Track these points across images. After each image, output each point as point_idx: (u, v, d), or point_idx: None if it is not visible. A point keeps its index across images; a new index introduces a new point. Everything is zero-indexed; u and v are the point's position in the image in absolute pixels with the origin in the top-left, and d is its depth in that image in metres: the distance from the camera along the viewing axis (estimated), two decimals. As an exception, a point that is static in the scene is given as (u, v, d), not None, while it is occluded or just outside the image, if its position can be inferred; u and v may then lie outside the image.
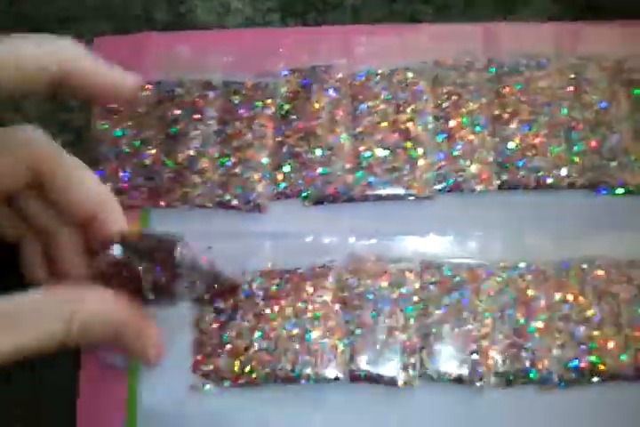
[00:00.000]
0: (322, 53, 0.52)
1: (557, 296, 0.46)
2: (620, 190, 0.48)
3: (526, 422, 0.45)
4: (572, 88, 0.50)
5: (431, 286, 0.46)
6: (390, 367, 0.44)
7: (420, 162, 0.48)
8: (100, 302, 0.32)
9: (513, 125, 0.49)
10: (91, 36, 0.53)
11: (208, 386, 0.44)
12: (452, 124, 0.49)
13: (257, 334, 0.45)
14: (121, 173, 0.49)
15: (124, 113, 0.50)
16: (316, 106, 0.49)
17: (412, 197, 0.48)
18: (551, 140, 0.49)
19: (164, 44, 0.53)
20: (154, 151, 0.49)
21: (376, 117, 0.49)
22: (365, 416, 0.45)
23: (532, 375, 0.44)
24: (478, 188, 0.48)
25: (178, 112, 0.49)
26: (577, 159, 0.49)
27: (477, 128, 0.49)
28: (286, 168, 0.48)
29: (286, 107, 0.50)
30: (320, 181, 0.48)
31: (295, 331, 0.45)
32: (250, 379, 0.44)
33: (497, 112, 0.50)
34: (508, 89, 0.50)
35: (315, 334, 0.44)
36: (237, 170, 0.48)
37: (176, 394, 0.45)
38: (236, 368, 0.44)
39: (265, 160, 0.48)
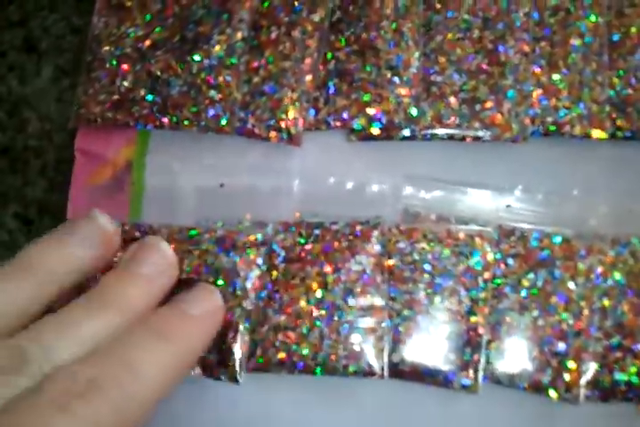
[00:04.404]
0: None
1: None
2: None
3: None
4: None
5: (510, 260, 0.32)
6: (445, 364, 0.30)
7: (510, 94, 0.33)
8: None
9: (637, 55, 0.34)
10: None
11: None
12: (555, 47, 0.34)
13: (272, 306, 0.31)
14: (119, 82, 0.34)
15: (132, 8, 0.36)
16: (379, 13, 0.34)
17: (493, 140, 0.33)
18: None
19: None
20: (164, 57, 0.34)
21: (455, 32, 0.34)
22: (405, 424, 0.31)
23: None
24: (584, 134, 0.33)
25: (201, 11, 0.35)
26: None
27: (590, 56, 0.34)
28: (331, 90, 0.33)
29: (339, 12, 0.35)
30: (373, 110, 0.33)
31: (322, 306, 0.31)
32: (256, 365, 0.30)
33: (617, 36, 0.34)
34: (636, 7, 0.34)
35: (348, 312, 0.30)
36: (267, 88, 0.33)
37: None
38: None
39: (304, 77, 0.33)
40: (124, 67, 0.35)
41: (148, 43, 0.35)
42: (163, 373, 0.23)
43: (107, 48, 0.36)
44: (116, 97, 0.34)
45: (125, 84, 0.34)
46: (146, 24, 0.36)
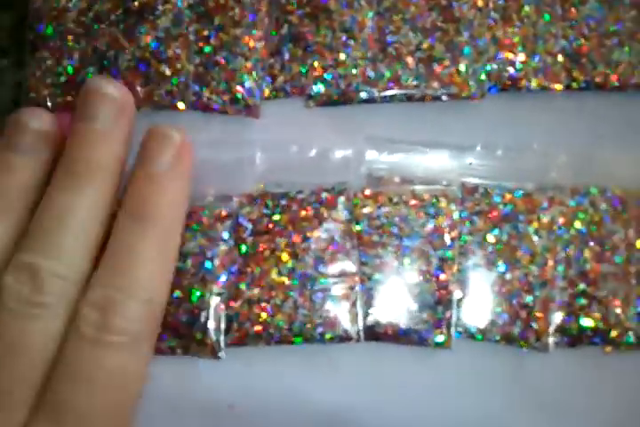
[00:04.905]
0: None
1: (641, 232, 0.32)
2: None
3: (591, 391, 0.32)
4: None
5: (475, 218, 0.32)
6: (419, 323, 0.31)
7: (466, 51, 0.32)
8: None
9: (588, 4, 0.34)
10: None
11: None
12: (509, 0, 0.33)
13: (245, 280, 0.30)
14: (65, 62, 0.33)
15: (70, -20, 0.34)
16: (328, -28, 0.33)
17: (451, 98, 0.32)
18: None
19: None
20: (109, 31, 0.33)
21: (408, -11, 0.33)
22: (385, 382, 0.31)
23: (609, 335, 0.31)
24: (540, 87, 0.33)
25: (141, -20, 0.33)
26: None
27: (543, 7, 0.33)
28: (285, 56, 0.33)
29: (288, -28, 0.33)
30: (330, 75, 0.32)
31: (294, 276, 0.31)
32: (234, 339, 0.30)
33: (569, -14, 0.34)
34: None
35: (320, 280, 0.30)
36: (220, 57, 0.32)
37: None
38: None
39: (257, 44, 0.32)
40: (69, 44, 0.33)
41: (90, 15, 0.34)
42: (163, 252, 0.26)
43: (48, 24, 0.34)
44: (63, 78, 0.33)
45: (72, 62, 0.33)
46: (86, -4, 0.34)
